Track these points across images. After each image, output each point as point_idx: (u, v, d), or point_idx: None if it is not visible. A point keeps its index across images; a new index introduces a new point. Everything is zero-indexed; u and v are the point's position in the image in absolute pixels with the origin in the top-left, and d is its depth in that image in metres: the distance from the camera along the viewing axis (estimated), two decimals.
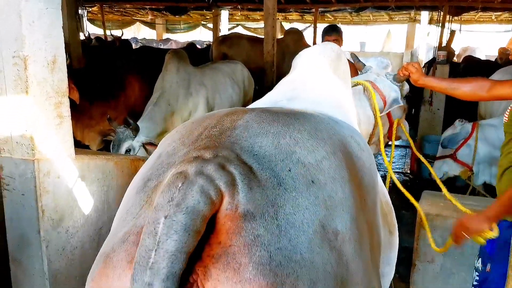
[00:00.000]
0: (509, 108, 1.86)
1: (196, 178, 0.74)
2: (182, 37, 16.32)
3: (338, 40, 4.13)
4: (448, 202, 2.26)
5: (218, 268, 0.72)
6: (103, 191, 3.12)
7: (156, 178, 0.89)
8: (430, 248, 2.18)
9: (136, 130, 3.85)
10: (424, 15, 12.26)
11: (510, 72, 4.20)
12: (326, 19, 14.18)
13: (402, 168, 6.53)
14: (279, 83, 1.80)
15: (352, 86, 2.35)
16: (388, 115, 2.46)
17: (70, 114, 2.78)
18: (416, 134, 6.16)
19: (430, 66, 6.00)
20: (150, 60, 6.37)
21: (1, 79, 2.52)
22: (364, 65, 2.67)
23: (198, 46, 10.88)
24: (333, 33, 4.18)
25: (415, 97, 7.05)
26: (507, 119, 1.86)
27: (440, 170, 4.17)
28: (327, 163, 0.90)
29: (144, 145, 3.84)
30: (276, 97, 1.57)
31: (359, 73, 2.71)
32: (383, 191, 1.55)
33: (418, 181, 5.81)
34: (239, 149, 0.85)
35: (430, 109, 5.77)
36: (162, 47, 12.41)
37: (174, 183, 0.73)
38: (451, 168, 4.12)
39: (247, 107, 1.25)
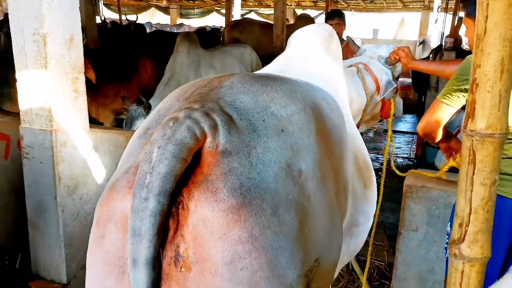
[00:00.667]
0: None
1: (184, 120, 0.92)
2: (195, 23, 16.43)
3: (340, 24, 4.27)
4: (432, 177, 2.41)
5: (199, 191, 0.90)
6: (115, 163, 3.32)
7: (154, 126, 1.08)
8: (415, 218, 2.35)
9: (148, 108, 4.03)
10: (437, 2, 12.18)
11: None
12: (339, 6, 14.18)
13: (407, 154, 6.64)
14: (275, 59, 1.97)
15: (347, 67, 2.51)
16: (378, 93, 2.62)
17: (85, 90, 2.97)
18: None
19: (437, 52, 6.06)
20: (163, 43, 6.55)
21: (22, 55, 2.72)
22: (359, 48, 2.81)
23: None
24: (335, 18, 4.33)
25: (422, 84, 7.13)
26: None
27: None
28: (296, 117, 1.10)
29: None
30: (268, 70, 1.76)
31: (354, 55, 2.86)
32: (361, 149, 1.71)
33: (421, 166, 5.93)
34: (223, 103, 1.04)
35: (436, 95, 5.85)
36: (175, 31, 12.54)
37: (167, 124, 0.92)
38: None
39: None
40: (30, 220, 2.99)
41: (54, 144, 2.79)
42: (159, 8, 16.48)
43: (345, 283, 3.10)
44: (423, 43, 12.09)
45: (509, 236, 1.86)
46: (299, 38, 1.99)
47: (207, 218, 0.89)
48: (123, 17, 11.66)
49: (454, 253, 1.14)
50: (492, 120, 1.03)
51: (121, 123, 5.05)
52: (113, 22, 10.20)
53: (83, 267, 3.09)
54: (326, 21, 4.39)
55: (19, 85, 2.79)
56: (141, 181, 0.86)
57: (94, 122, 3.52)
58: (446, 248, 1.95)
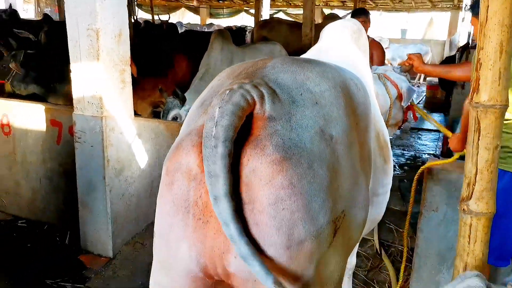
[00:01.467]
0: None
1: (238, 90, 1.15)
2: (224, 22, 16.76)
3: (365, 21, 4.44)
4: (451, 161, 2.58)
5: (251, 148, 1.12)
6: (155, 149, 3.60)
7: (210, 98, 1.30)
8: (435, 199, 2.52)
9: (183, 100, 4.31)
10: (466, 1, 12.10)
11: None
12: (367, 6, 14.23)
13: (434, 151, 6.73)
14: (309, 50, 2.19)
15: None
16: (400, 100, 2.83)
17: (131, 81, 3.26)
18: (448, 117, 6.35)
19: (464, 50, 6.13)
20: (194, 41, 6.86)
21: (76, 48, 3.02)
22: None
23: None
24: (361, 16, 4.50)
25: (449, 83, 7.18)
26: None
27: None
28: (328, 93, 1.32)
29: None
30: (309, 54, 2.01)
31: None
32: (383, 129, 1.92)
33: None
34: (267, 79, 1.26)
35: (462, 93, 5.92)
36: (206, 30, 12.88)
37: (224, 92, 1.15)
38: None
39: None
40: (80, 199, 3.30)
41: (104, 130, 3.08)
42: (189, 8, 16.89)
43: (370, 265, 3.28)
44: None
45: None
46: (330, 31, 2.19)
47: (257, 168, 1.11)
48: (156, 17, 12.05)
49: (463, 209, 1.33)
50: (493, 93, 1.22)
51: (158, 115, 5.36)
52: (146, 21, 10.58)
53: (128, 243, 3.39)
54: (323, 19, 4.64)
55: (73, 75, 3.10)
56: (208, 134, 1.09)
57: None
58: None
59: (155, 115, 5.41)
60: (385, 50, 13.27)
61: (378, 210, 1.90)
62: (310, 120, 1.21)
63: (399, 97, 2.87)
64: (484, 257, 1.35)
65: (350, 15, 10.27)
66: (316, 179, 1.16)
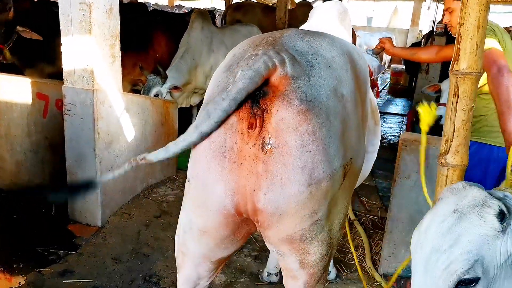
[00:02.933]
0: None
1: (262, 56, 1.34)
2: (194, 5, 16.64)
3: None
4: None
5: (279, 101, 1.31)
6: (142, 124, 3.72)
7: (236, 63, 1.43)
8: (407, 167, 2.79)
9: (164, 78, 4.41)
10: None
11: None
12: None
13: (398, 133, 7.11)
14: (303, 25, 2.39)
15: None
16: (371, 76, 3.23)
17: (120, 55, 3.35)
18: (413, 101, 6.72)
19: (429, 37, 6.49)
20: (169, 21, 6.91)
21: (68, 22, 3.08)
22: None
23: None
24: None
25: (413, 67, 7.57)
26: None
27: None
28: (338, 59, 1.52)
29: (170, 90, 4.43)
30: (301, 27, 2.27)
31: None
32: (372, 96, 2.16)
33: None
34: (286, 47, 1.44)
35: (426, 77, 6.29)
36: (176, 12, 12.80)
37: (250, 57, 1.35)
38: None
39: None
40: (69, 171, 3.37)
41: (95, 102, 3.17)
42: None
43: (344, 232, 3.55)
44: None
45: (495, 179, 2.31)
46: (319, 12, 2.42)
47: (285, 117, 1.31)
48: None
49: (441, 162, 1.58)
50: (471, 62, 1.46)
51: (136, 93, 5.42)
52: None
53: (115, 214, 3.50)
54: (296, 6, 5.14)
55: (63, 49, 3.15)
56: (223, 88, 1.31)
57: None
58: None
59: (134, 93, 5.47)
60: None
61: (367, 166, 2.16)
62: (326, 80, 1.42)
63: (370, 74, 3.17)
64: None
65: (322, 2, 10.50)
66: (333, 128, 1.38)
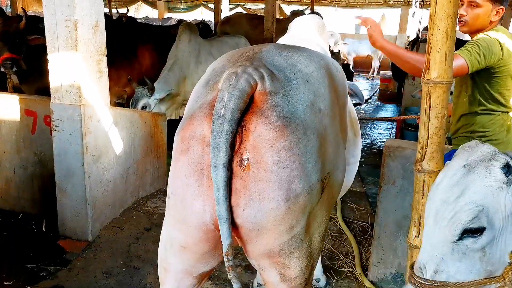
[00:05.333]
0: None
1: (242, 74, 1.38)
2: (183, 17, 16.73)
3: None
4: (407, 140, 2.91)
5: (256, 117, 1.34)
6: (130, 137, 3.74)
7: (215, 78, 1.50)
8: (392, 173, 2.84)
9: (152, 90, 4.45)
10: None
11: None
12: (323, 2, 14.70)
13: (387, 138, 7.18)
14: (279, 40, 2.44)
15: None
16: None
17: (107, 70, 3.39)
18: (401, 107, 6.81)
19: (414, 44, 6.59)
20: (154, 34, 6.99)
21: (54, 39, 3.11)
22: None
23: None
24: None
25: (400, 73, 7.66)
26: None
27: None
28: (315, 73, 1.57)
29: (159, 100, 4.49)
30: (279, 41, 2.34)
31: None
32: (352, 107, 2.21)
33: None
34: (265, 62, 1.48)
35: (413, 83, 6.38)
36: (161, 25, 12.92)
37: (231, 77, 1.38)
38: None
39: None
40: (58, 186, 3.39)
41: (82, 117, 3.19)
42: (146, 2, 16.75)
43: (334, 239, 3.58)
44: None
45: None
46: (299, 24, 2.52)
47: (262, 134, 1.34)
48: (113, 10, 11.93)
49: (418, 169, 1.62)
50: (441, 71, 1.51)
51: (121, 106, 5.44)
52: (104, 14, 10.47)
53: (106, 228, 3.51)
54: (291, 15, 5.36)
55: (50, 65, 3.19)
56: (218, 114, 1.31)
57: None
58: None
59: (119, 105, 5.50)
60: (342, 44, 13.69)
61: (349, 177, 2.19)
62: (303, 95, 1.47)
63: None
64: None
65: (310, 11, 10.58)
66: (310, 143, 1.42)
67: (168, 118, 4.68)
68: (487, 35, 2.15)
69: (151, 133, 4.03)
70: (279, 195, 1.35)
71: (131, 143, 3.75)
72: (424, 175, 1.60)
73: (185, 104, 5.09)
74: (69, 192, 3.37)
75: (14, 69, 4.12)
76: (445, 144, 3.48)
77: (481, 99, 2.24)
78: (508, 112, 2.28)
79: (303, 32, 2.43)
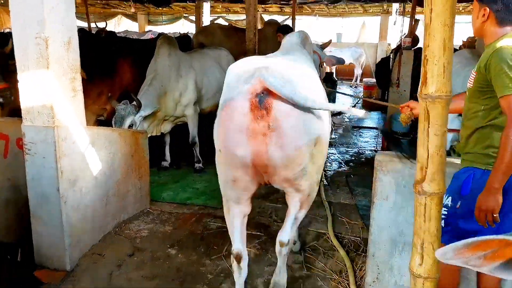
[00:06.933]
0: (472, 74, 2.11)
1: (266, 75, 2.15)
2: (164, 29, 16.57)
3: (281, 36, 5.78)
4: (397, 153, 2.80)
5: (276, 99, 2.12)
6: (110, 158, 3.56)
7: (244, 77, 2.24)
8: (385, 188, 2.71)
9: (139, 107, 4.27)
10: (395, 6, 12.85)
11: (456, 55, 4.64)
12: (304, 11, 14.69)
13: (374, 147, 7.09)
14: (278, 51, 3.05)
15: None
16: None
17: (81, 88, 3.22)
18: (386, 114, 6.74)
19: (397, 52, 6.55)
20: (133, 47, 6.84)
21: (25, 57, 2.94)
22: None
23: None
24: (280, 32, 5.97)
25: (384, 81, 7.63)
26: (470, 85, 2.14)
27: None
28: (306, 72, 2.58)
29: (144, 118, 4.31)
30: (279, 55, 2.85)
31: None
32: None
33: None
34: (275, 68, 2.25)
35: (398, 91, 6.33)
36: (141, 38, 12.78)
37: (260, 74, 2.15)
38: None
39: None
40: (32, 213, 3.19)
41: (56, 140, 3.01)
42: (126, 15, 16.56)
43: (327, 256, 3.44)
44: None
45: None
46: (288, 41, 3.17)
47: (280, 109, 2.13)
48: (92, 25, 11.73)
49: (418, 191, 1.49)
50: (439, 85, 1.39)
51: (102, 124, 5.24)
52: (81, 29, 10.25)
53: (85, 255, 3.32)
54: (277, 33, 6.12)
55: (21, 85, 3.01)
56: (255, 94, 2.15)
57: None
58: (442, 219, 2.17)
59: (100, 124, 5.31)
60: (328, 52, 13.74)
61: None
62: (300, 88, 2.23)
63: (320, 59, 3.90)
64: (438, 233, 1.51)
65: (291, 21, 10.64)
66: (306, 116, 2.23)
67: (149, 135, 4.51)
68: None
69: (132, 152, 3.85)
70: (292, 146, 2.18)
71: (110, 163, 3.57)
72: (425, 197, 1.47)
73: (166, 120, 4.97)
74: (45, 219, 3.18)
75: (12, 98, 3.94)
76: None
77: (498, 111, 2.03)
78: None
79: (293, 45, 3.08)
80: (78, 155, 3.21)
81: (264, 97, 2.07)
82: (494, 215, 1.94)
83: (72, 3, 3.07)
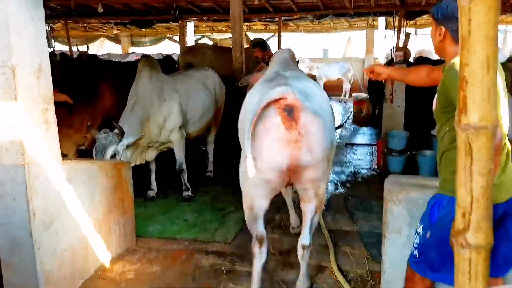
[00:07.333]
0: (435, 98, 2.05)
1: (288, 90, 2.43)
2: (148, 50, 16.34)
3: (259, 50, 6.05)
4: (409, 180, 2.53)
5: (302, 110, 2.40)
6: (89, 194, 3.24)
7: (264, 92, 2.55)
8: (397, 220, 2.44)
9: (121, 134, 3.95)
10: (381, 20, 12.82)
11: None
12: (289, 28, 14.59)
13: (369, 164, 6.83)
14: (277, 67, 3.20)
15: None
16: None
17: (55, 120, 2.91)
18: (380, 131, 6.50)
19: (389, 66, 6.35)
20: (115, 70, 6.57)
21: None
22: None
23: (156, 58, 10.83)
24: (257, 46, 6.04)
25: (377, 96, 7.43)
26: (435, 106, 2.06)
27: None
28: (320, 93, 2.87)
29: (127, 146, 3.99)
30: (277, 70, 3.10)
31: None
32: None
33: (385, 175, 6.10)
34: (294, 85, 2.59)
35: (392, 107, 6.11)
36: (121, 60, 12.55)
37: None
38: None
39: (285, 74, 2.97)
40: (3, 261, 2.85)
41: (27, 178, 2.69)
42: (109, 37, 16.29)
43: None
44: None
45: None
46: (277, 58, 3.42)
47: (307, 119, 2.39)
48: (74, 48, 11.45)
49: (461, 244, 1.21)
50: (484, 112, 1.12)
51: (83, 154, 4.92)
52: (62, 53, 9.95)
53: None
54: (253, 48, 6.13)
55: None
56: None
57: None
58: (415, 248, 2.03)
59: (81, 154, 4.98)
60: (316, 68, 13.65)
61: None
62: (315, 100, 2.63)
63: None
64: None
65: (278, 38, 10.47)
66: (326, 123, 2.54)
67: (133, 164, 4.19)
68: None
69: (114, 186, 3.53)
70: (319, 149, 2.48)
71: (90, 200, 3.24)
72: (470, 251, 1.19)
73: (151, 147, 4.65)
74: (17, 267, 2.83)
75: None
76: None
77: None
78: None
79: (284, 61, 3.31)
80: (53, 194, 2.89)
81: (291, 110, 2.38)
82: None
83: (42, 27, 2.78)
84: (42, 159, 2.79)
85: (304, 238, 2.89)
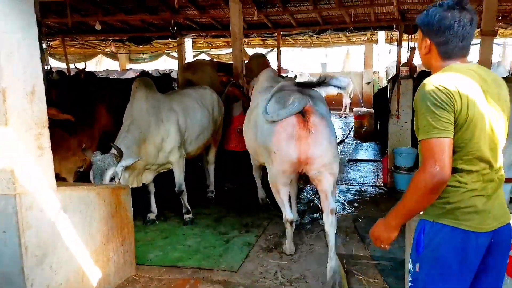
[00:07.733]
0: None
1: (303, 99, 3.42)
2: (146, 67, 16.21)
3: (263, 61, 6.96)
4: None
5: (312, 114, 3.36)
6: (86, 223, 3.03)
7: (283, 103, 3.55)
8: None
9: (120, 156, 3.75)
10: (381, 35, 12.76)
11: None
12: (287, 43, 14.52)
13: (374, 182, 6.64)
14: (270, 81, 4.38)
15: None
16: None
17: (50, 146, 2.72)
18: (386, 147, 6.32)
19: (395, 81, 6.20)
20: (112, 88, 6.41)
21: None
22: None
23: (153, 74, 10.70)
24: (260, 58, 6.71)
25: (382, 111, 7.26)
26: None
27: None
28: (322, 100, 3.82)
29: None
30: (268, 84, 4.29)
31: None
32: None
33: (393, 193, 5.91)
34: (307, 94, 3.59)
35: (398, 123, 5.94)
36: (119, 77, 12.41)
37: (296, 99, 3.45)
38: None
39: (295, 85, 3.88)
40: None
41: (19, 210, 2.49)
42: (107, 54, 16.18)
43: None
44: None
45: (472, 273, 1.78)
46: (263, 76, 4.60)
47: (316, 120, 3.37)
48: (71, 66, 11.30)
49: None
50: None
51: (83, 176, 4.72)
52: (59, 71, 9.79)
53: None
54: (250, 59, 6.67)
55: None
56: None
57: (57, 178, 3.19)
58: (410, 287, 1.86)
59: (78, 178, 4.78)
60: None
61: None
62: (323, 108, 3.64)
63: None
64: None
65: (276, 53, 10.35)
66: (330, 123, 3.55)
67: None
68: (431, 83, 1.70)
69: (112, 212, 3.32)
70: (326, 142, 3.37)
71: (87, 229, 3.03)
72: None
73: (147, 169, 4.44)
74: None
75: None
76: None
77: None
78: (477, 171, 1.75)
79: (271, 78, 4.48)
80: (46, 225, 2.68)
81: (304, 113, 3.30)
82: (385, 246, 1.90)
83: (36, 47, 2.60)
84: (35, 188, 2.59)
85: (331, 203, 3.48)
